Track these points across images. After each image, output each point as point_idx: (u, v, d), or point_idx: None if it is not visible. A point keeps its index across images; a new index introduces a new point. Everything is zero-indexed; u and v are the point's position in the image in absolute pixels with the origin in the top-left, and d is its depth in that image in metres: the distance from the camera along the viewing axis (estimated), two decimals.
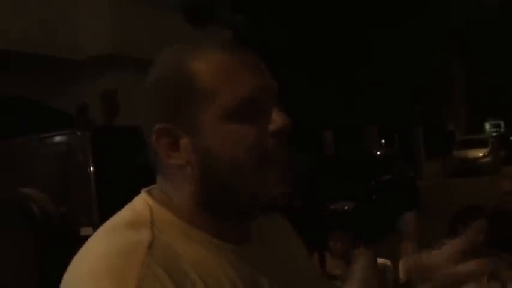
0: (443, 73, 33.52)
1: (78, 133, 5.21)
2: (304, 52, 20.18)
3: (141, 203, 1.04)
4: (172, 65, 1.03)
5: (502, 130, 43.48)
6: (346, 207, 10.38)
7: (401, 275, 4.64)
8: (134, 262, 0.89)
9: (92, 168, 4.93)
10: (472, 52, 36.35)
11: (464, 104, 40.99)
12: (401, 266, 4.69)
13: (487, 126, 45.36)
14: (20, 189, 4.89)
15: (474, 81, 40.25)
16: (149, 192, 1.06)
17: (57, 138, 5.43)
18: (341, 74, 21.58)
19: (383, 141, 25.54)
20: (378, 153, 15.33)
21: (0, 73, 9.89)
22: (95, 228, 3.91)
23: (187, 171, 0.99)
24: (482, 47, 35.39)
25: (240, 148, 0.96)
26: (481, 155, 26.24)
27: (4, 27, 10.01)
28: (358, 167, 12.45)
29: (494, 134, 37.42)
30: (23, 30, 10.35)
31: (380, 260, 4.64)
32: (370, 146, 22.41)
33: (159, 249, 0.93)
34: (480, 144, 27.29)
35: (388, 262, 4.57)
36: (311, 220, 4.10)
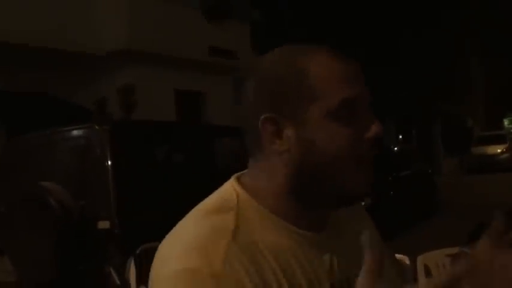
0: (462, 69, 33.28)
1: (97, 127, 5.22)
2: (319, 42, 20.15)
3: (229, 189, 1.15)
4: (286, 62, 1.11)
5: None
6: (363, 203, 10.35)
7: (419, 271, 4.62)
8: (221, 244, 1.01)
9: (110, 162, 4.93)
10: (491, 48, 36.03)
11: (482, 100, 40.66)
12: (419, 262, 4.67)
13: (506, 121, 44.98)
14: (39, 183, 4.92)
15: (492, 77, 39.89)
16: (238, 179, 1.17)
17: (76, 132, 5.44)
18: (361, 69, 21.50)
19: (400, 137, 25.45)
20: (396, 148, 15.24)
21: (19, 68, 9.98)
22: (113, 222, 3.93)
23: (286, 157, 1.08)
24: (500, 43, 35.04)
25: (338, 145, 1.06)
26: (499, 151, 26.05)
27: (23, 22, 10.09)
28: (376, 162, 12.37)
29: None
30: (42, 26, 10.41)
31: (398, 256, 4.62)
32: (388, 141, 22.33)
33: (241, 235, 1.04)
34: (498, 140, 27.08)
35: (405, 258, 4.54)
36: None
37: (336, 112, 1.06)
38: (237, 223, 1.06)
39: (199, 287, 0.96)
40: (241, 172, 1.20)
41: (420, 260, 4.93)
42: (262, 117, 1.08)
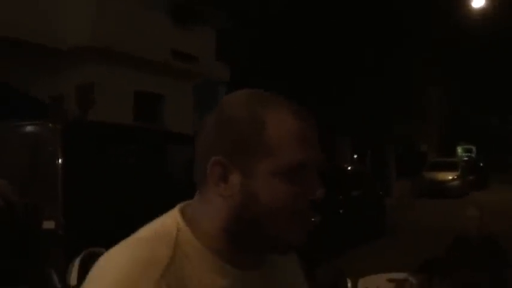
0: (418, 95, 33.80)
1: (50, 125, 5.14)
2: (284, 59, 20.23)
3: (171, 220, 1.16)
4: (249, 110, 1.14)
5: (473, 155, 44.04)
6: (312, 219, 10.42)
7: None
8: (150, 279, 1.02)
9: (60, 161, 4.85)
10: (449, 76, 36.73)
11: (438, 126, 41.40)
12: (361, 285, 4.73)
13: (459, 150, 45.93)
14: None
15: (448, 105, 40.71)
16: (182, 210, 1.19)
17: (28, 128, 5.33)
18: (320, 86, 21.64)
19: (355, 156, 25.69)
20: (349, 168, 15.38)
21: None
22: (58, 222, 3.84)
23: (228, 201, 1.11)
24: (460, 71, 35.78)
25: (281, 202, 1.10)
26: (450, 178, 26.52)
27: None
28: (328, 180, 12.46)
29: (466, 158, 37.87)
30: (5, 14, 10.21)
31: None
32: (342, 159, 22.51)
33: (173, 271, 1.05)
34: (450, 167, 27.57)
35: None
36: None
37: (287, 172, 1.10)
38: (172, 258, 1.07)
39: None
40: (186, 202, 1.21)
41: (361, 283, 5.00)
42: (213, 158, 1.11)
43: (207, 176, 1.13)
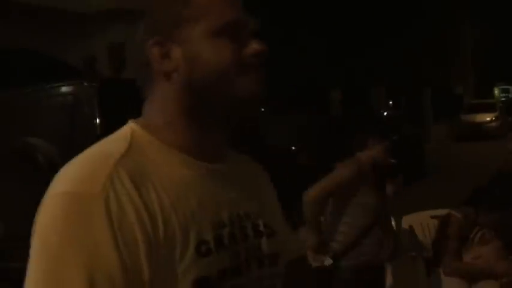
0: (452, 37, 33.16)
1: (85, 84, 5.17)
2: (315, 13, 19.98)
3: (124, 127, 1.17)
4: None
5: (510, 96, 43.22)
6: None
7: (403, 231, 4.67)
8: (105, 168, 1.01)
9: (98, 120, 4.90)
10: (483, 16, 35.89)
11: (473, 68, 40.66)
12: (404, 222, 4.72)
13: (496, 91, 45.07)
14: (26, 138, 4.88)
15: (484, 46, 39.84)
16: (134, 120, 1.18)
17: (64, 89, 5.37)
18: (351, 35, 21.36)
19: (390, 102, 25.44)
20: (385, 113, 15.26)
21: (6, 24, 9.84)
22: None
23: (175, 78, 1.13)
24: (493, 10, 34.91)
25: (224, 56, 1.11)
26: (488, 119, 26.13)
27: None
28: (365, 126, 12.39)
29: (503, 99, 37.21)
30: None
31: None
32: (377, 107, 22.32)
33: (130, 162, 1.05)
34: (488, 108, 27.13)
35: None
36: (317, 176, 4.11)
37: (221, 30, 1.12)
38: (128, 151, 1.07)
39: (75, 208, 0.97)
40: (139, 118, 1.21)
41: (405, 220, 4.99)
42: (150, 42, 1.14)
43: (149, 64, 1.14)
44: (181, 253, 1.03)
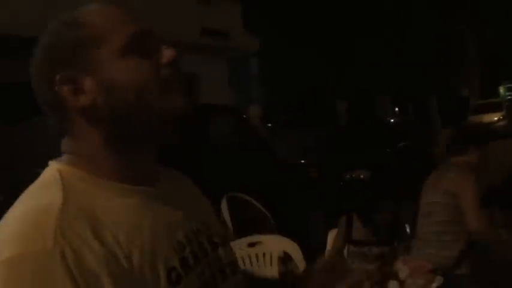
0: (455, 39, 33.15)
1: None
2: (318, 23, 20.05)
3: (48, 170, 1.11)
4: (64, 20, 1.12)
5: None
6: (362, 176, 10.38)
7: None
8: (49, 221, 0.95)
9: None
10: (483, 15, 35.87)
11: (477, 68, 40.55)
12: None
13: (502, 90, 44.86)
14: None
15: (486, 45, 39.77)
16: (57, 160, 1.13)
17: None
18: (353, 45, 21.41)
19: (396, 109, 25.41)
20: (392, 120, 15.23)
21: (10, 60, 9.91)
22: None
23: (94, 110, 1.07)
24: (493, 9, 34.89)
25: (138, 76, 1.07)
26: (496, 119, 26.03)
27: (14, 13, 10.00)
28: (372, 135, 12.39)
29: (509, 97, 37.03)
30: (31, 16, 10.31)
31: None
32: (384, 115, 22.29)
33: (71, 206, 0.99)
34: (495, 108, 27.06)
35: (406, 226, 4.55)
36: (328, 189, 4.10)
37: (127, 47, 1.07)
38: (65, 196, 1.01)
39: (31, 268, 0.90)
40: (59, 158, 1.15)
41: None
42: (57, 77, 1.07)
43: (62, 101, 1.08)
44: (155, 286, 1.01)
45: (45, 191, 1.04)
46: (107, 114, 1.07)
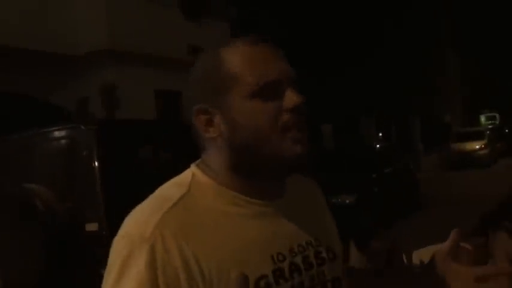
0: (438, 66, 33.51)
1: (83, 127, 5.09)
2: (301, 47, 20.14)
3: (188, 170, 1.27)
4: (208, 57, 1.25)
5: (497, 122, 43.55)
6: (347, 201, 10.35)
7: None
8: (159, 212, 1.12)
9: (96, 163, 4.81)
10: (467, 45, 36.37)
11: (459, 96, 41.02)
12: (415, 257, 4.64)
13: (482, 118, 45.39)
14: (23, 184, 4.79)
15: (469, 74, 40.29)
16: (196, 164, 1.28)
17: (61, 133, 5.28)
18: (338, 68, 21.52)
19: (380, 134, 25.54)
20: (378, 145, 15.29)
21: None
22: (101, 224, 3.80)
23: (220, 141, 1.21)
24: (477, 40, 35.40)
25: (260, 119, 1.16)
26: (478, 147, 26.30)
27: (2, 23, 9.91)
28: (359, 160, 12.41)
29: (490, 126, 37.47)
30: (20, 27, 10.25)
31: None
32: (368, 138, 22.39)
33: (183, 204, 1.15)
34: (477, 136, 27.36)
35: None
36: None
37: (257, 92, 1.16)
38: (185, 194, 1.17)
39: (128, 250, 1.07)
40: (199, 160, 1.30)
41: (415, 255, 4.93)
42: (194, 108, 1.22)
43: (197, 128, 1.23)
44: None
45: (174, 187, 1.21)
46: (231, 147, 1.20)
